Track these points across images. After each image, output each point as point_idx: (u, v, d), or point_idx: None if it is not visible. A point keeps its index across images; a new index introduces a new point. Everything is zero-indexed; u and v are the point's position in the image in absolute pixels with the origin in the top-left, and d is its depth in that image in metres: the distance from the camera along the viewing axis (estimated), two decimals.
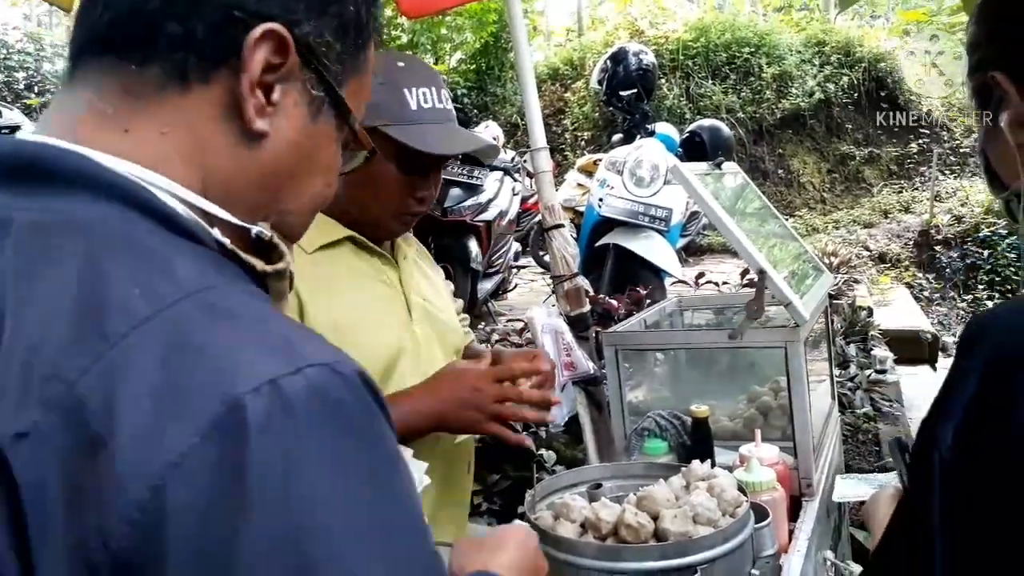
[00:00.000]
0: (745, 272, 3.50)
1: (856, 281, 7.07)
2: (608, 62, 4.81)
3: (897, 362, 5.33)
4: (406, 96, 1.30)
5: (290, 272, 0.64)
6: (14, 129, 5.82)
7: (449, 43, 11.74)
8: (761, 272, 1.63)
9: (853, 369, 3.92)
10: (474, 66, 12.03)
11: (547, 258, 7.75)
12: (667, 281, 4.41)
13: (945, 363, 6.54)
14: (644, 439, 1.69)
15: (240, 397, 0.46)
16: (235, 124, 0.60)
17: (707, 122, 4.69)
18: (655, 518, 1.16)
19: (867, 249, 8.81)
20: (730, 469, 1.56)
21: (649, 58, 4.85)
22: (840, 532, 1.95)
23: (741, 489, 1.28)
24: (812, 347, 2.16)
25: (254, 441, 0.45)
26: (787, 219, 9.80)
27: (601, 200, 4.44)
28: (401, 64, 1.35)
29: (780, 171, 10.60)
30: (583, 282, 1.77)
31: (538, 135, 1.88)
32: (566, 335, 1.65)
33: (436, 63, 11.89)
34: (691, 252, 7.83)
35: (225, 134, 0.60)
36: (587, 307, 1.76)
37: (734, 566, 1.17)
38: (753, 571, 1.20)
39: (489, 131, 8.11)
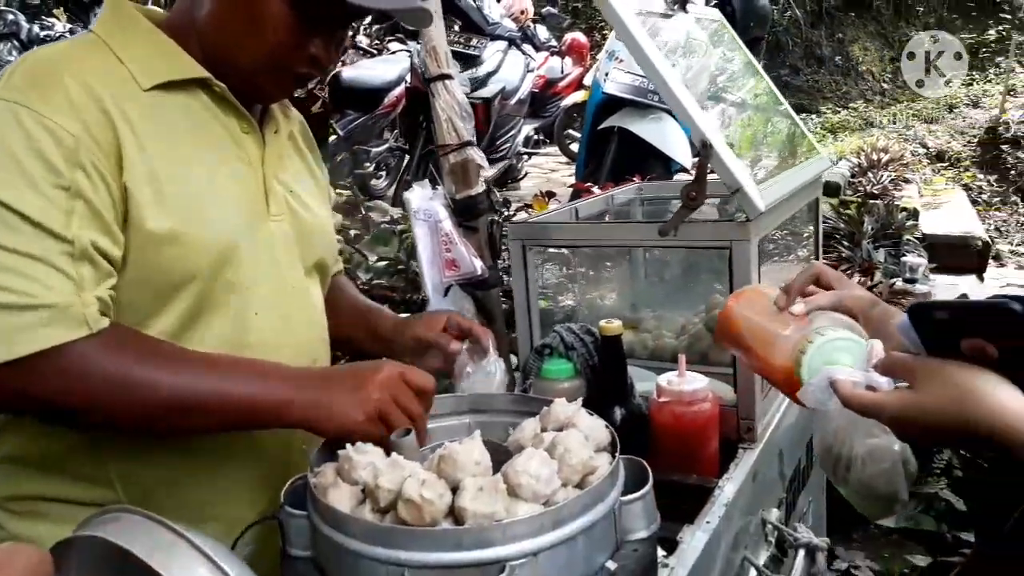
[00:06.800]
0: None
1: (906, 181, 6.44)
2: None
3: (939, 270, 4.79)
4: None
5: None
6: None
7: None
8: (704, 144, 1.19)
9: (878, 276, 3.44)
10: None
11: (573, 146, 7.01)
12: (676, 170, 3.92)
13: (996, 273, 5.96)
14: (544, 358, 1.32)
15: None
16: None
17: None
18: (456, 489, 0.80)
19: (924, 147, 8.04)
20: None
21: None
22: (802, 480, 1.57)
23: (613, 442, 0.91)
24: (790, 249, 1.73)
25: None
26: (840, 111, 9.07)
27: (607, 75, 3.90)
28: None
29: (837, 58, 9.68)
30: (475, 154, 1.35)
31: None
32: (444, 223, 1.26)
33: None
34: None
35: None
36: (479, 188, 1.34)
37: (575, 558, 0.81)
38: (608, 564, 0.84)
39: None
